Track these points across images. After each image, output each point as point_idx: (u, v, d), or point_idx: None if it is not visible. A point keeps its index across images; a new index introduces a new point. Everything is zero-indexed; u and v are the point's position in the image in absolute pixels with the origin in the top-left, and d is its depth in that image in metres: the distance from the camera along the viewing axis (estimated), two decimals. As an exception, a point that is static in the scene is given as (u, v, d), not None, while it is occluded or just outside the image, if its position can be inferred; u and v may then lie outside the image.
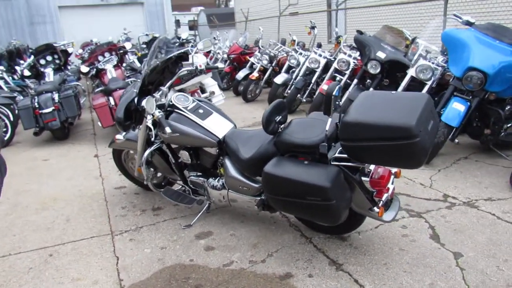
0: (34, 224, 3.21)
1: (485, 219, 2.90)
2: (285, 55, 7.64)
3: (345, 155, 2.28)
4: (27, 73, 6.44)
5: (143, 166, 3.09)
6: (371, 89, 5.22)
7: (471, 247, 2.57)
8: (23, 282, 2.47)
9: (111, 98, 5.43)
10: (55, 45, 7.11)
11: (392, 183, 2.51)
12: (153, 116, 2.75)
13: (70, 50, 7.18)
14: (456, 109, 3.74)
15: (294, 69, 6.87)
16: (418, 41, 4.58)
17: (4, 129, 5.59)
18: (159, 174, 3.57)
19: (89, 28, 16.14)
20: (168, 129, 2.67)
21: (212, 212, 3.21)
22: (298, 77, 6.53)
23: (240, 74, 8.16)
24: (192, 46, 9.31)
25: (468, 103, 3.82)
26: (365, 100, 2.29)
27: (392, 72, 5.20)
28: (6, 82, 7.59)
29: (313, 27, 6.91)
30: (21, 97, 6.58)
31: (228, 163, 2.80)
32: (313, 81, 6.40)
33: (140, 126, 3.08)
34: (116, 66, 6.46)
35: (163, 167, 3.31)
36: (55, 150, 5.28)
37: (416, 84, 4.72)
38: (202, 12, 20.57)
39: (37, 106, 5.27)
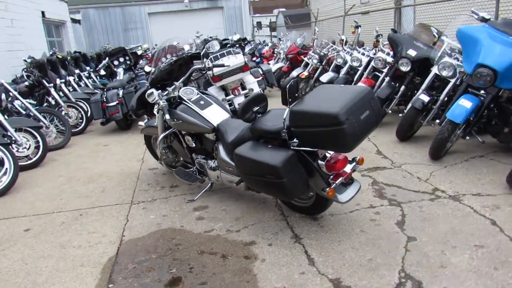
0: (78, 193, 4.00)
1: (460, 211, 2.97)
2: (335, 54, 7.81)
3: None
4: (102, 72, 7.56)
5: (159, 148, 3.70)
6: (402, 87, 5.28)
7: (429, 233, 2.71)
8: (55, 231, 3.21)
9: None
10: (126, 48, 8.20)
11: (354, 169, 2.77)
12: (158, 105, 3.32)
13: (139, 52, 8.22)
14: (462, 106, 3.74)
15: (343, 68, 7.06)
16: (443, 38, 4.56)
17: (80, 120, 6.69)
18: (181, 158, 4.15)
19: (175, 32, 17.62)
20: (167, 116, 3.22)
21: (215, 191, 3.69)
22: (341, 75, 6.72)
23: (294, 73, 8.50)
24: (246, 44, 9.84)
25: (480, 100, 3.80)
26: (315, 92, 2.60)
27: (425, 70, 5.19)
28: (93, 81, 8.92)
29: (357, 26, 7.03)
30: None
31: (219, 146, 3.26)
32: (355, 79, 6.54)
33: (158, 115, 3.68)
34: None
35: (180, 151, 3.88)
36: (116, 138, 6.21)
37: (440, 82, 4.71)
38: (280, 13, 21.14)
39: (104, 100, 6.25)
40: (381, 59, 5.81)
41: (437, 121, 4.10)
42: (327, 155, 2.68)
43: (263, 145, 2.75)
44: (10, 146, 4.66)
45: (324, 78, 7.12)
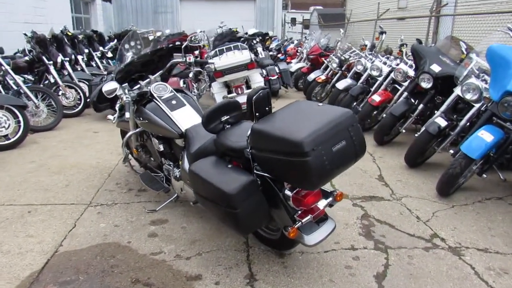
0: (40, 184, 3.66)
1: (457, 270, 2.43)
2: (355, 60, 7.23)
3: None
4: (109, 54, 7.23)
5: (123, 147, 3.29)
6: (421, 105, 4.68)
7: (411, 297, 2.19)
8: (-8, 229, 2.87)
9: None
10: (138, 32, 7.84)
11: (331, 205, 2.28)
12: (121, 100, 2.90)
13: (150, 38, 7.86)
14: (481, 138, 3.16)
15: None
16: (471, 56, 3.94)
17: (78, 102, 6.39)
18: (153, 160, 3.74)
19: (203, 20, 17.29)
20: (127, 114, 2.79)
21: (183, 203, 3.26)
22: (357, 84, 6.15)
23: (311, 76, 7.97)
24: (268, 39, 9.34)
25: (504, 134, 3.21)
26: (288, 109, 2.12)
27: (449, 88, 4.58)
28: (108, 62, 8.63)
29: (382, 32, 6.42)
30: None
31: (184, 155, 2.82)
32: (372, 89, 5.96)
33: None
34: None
35: (153, 152, 3.46)
36: (109, 126, 5.84)
37: (465, 104, 4.10)
38: (315, 11, 20.43)
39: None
40: (402, 71, 5.23)
41: (451, 151, 3.52)
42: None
43: (223, 164, 2.29)
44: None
45: (340, 85, 6.56)
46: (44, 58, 6.07)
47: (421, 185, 3.72)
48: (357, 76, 6.63)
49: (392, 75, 5.44)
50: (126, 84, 2.98)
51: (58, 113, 5.65)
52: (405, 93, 4.88)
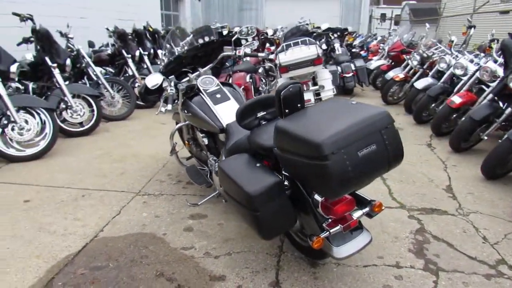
0: (100, 171, 3.85)
1: (522, 307, 2.03)
2: (438, 57, 6.58)
3: None
4: (184, 49, 7.43)
5: (170, 139, 3.32)
6: (508, 109, 4.08)
7: (456, 332, 1.87)
8: (48, 209, 3.06)
9: (231, 79, 5.83)
10: (212, 27, 7.97)
11: (370, 215, 2.05)
12: (166, 92, 2.91)
13: (224, 33, 7.94)
14: None
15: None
16: None
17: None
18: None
19: (287, 16, 17.19)
20: (169, 106, 2.79)
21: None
22: (438, 84, 5.59)
23: (389, 74, 7.44)
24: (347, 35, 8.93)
25: None
26: (316, 107, 1.93)
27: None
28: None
29: (470, 27, 5.73)
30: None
31: (222, 151, 2.75)
32: (455, 89, 5.36)
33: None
34: (255, 50, 6.81)
35: (202, 146, 3.45)
36: (176, 117, 6.05)
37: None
38: (406, 6, 19.22)
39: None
40: (489, 70, 4.61)
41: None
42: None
43: (252, 163, 2.16)
44: (65, 111, 4.77)
45: (419, 84, 6.04)
46: (123, 51, 6.44)
47: (497, 201, 3.23)
48: (440, 75, 6.02)
49: (477, 74, 4.83)
50: (173, 76, 2.98)
51: (131, 104, 5.96)
52: (490, 95, 4.30)
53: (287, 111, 1.97)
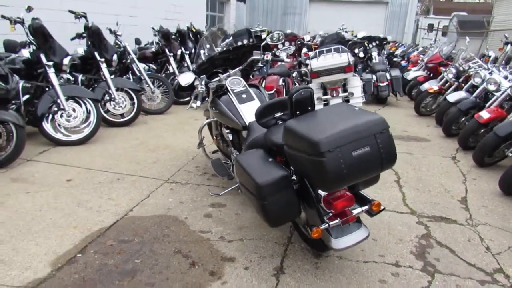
0: (135, 158, 4.22)
1: (509, 312, 2.14)
2: (473, 72, 6.52)
3: None
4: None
5: (199, 134, 3.61)
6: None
7: (439, 326, 2.01)
8: (87, 188, 3.43)
9: (264, 81, 6.08)
10: (251, 30, 8.27)
11: (370, 214, 2.24)
12: (197, 90, 3.20)
13: (263, 36, 8.20)
14: None
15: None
16: None
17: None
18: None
19: (329, 22, 17.28)
20: (198, 103, 3.07)
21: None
22: (469, 98, 5.58)
23: (424, 86, 7.43)
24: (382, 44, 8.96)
25: None
26: (323, 110, 2.14)
27: None
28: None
29: (507, 43, 5.67)
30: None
31: (243, 146, 3.00)
32: (486, 105, 5.35)
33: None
34: (291, 55, 7.04)
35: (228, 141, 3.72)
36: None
37: None
38: (454, 17, 18.78)
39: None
40: (520, 87, 4.60)
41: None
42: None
43: (265, 158, 2.39)
44: (109, 103, 5.19)
45: (452, 97, 6.03)
46: (166, 50, 6.86)
47: (509, 216, 3.28)
48: (474, 89, 6.00)
49: (508, 91, 4.82)
50: (204, 76, 3.27)
51: (169, 100, 6.35)
52: (518, 111, 4.30)
53: (298, 112, 2.20)
